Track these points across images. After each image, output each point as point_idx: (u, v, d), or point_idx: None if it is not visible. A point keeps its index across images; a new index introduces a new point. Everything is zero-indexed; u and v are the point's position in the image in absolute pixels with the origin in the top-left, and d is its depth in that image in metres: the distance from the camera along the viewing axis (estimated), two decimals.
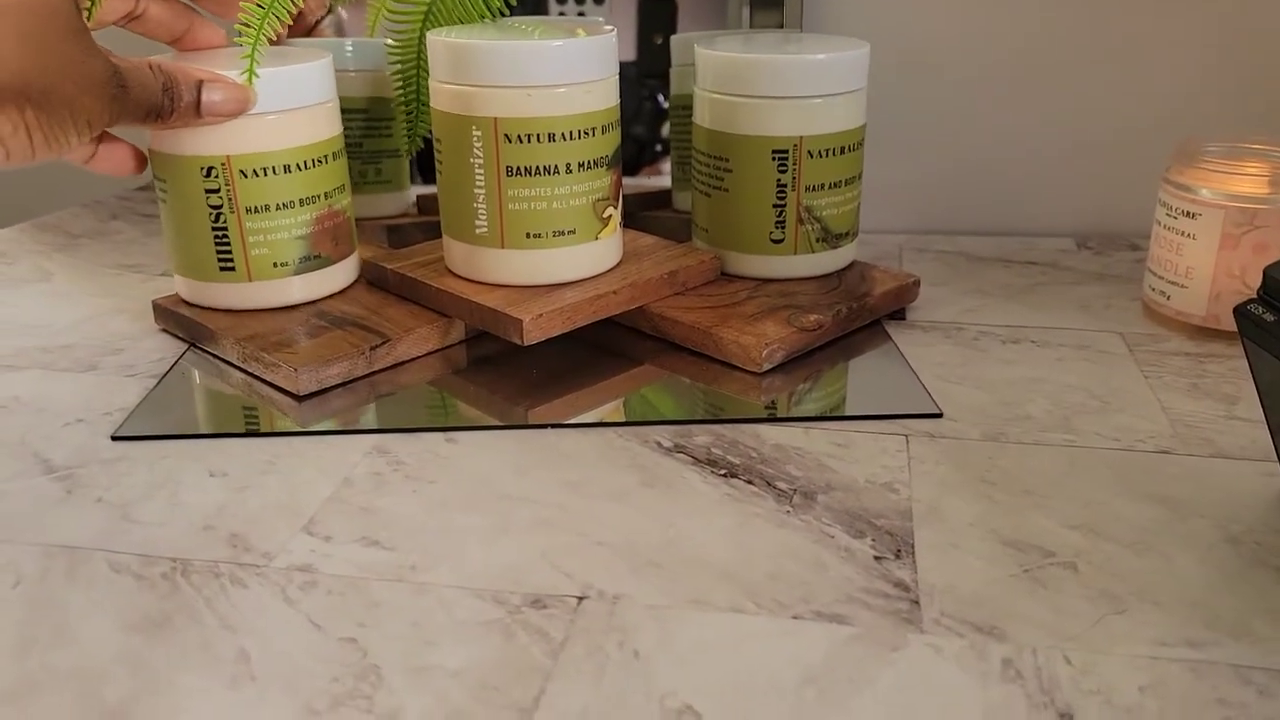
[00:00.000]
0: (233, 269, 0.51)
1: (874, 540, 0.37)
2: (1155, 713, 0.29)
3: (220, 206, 0.50)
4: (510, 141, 0.48)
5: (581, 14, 0.70)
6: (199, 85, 0.46)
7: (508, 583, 0.35)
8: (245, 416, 0.46)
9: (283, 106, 0.49)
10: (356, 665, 0.31)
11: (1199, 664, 0.31)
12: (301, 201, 0.51)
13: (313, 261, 0.52)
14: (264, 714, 0.29)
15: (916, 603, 0.33)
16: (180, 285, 0.53)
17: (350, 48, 0.62)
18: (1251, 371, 0.38)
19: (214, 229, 0.50)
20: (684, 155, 0.66)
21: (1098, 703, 0.29)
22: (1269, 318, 0.36)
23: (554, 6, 0.70)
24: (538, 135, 0.48)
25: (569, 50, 0.48)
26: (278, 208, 0.50)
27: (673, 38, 0.66)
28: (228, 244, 0.51)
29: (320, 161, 0.51)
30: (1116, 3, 0.65)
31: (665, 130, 0.71)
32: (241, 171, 0.49)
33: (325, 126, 0.52)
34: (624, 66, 0.71)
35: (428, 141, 0.58)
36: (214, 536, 0.37)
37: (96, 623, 0.33)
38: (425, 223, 0.65)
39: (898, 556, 0.36)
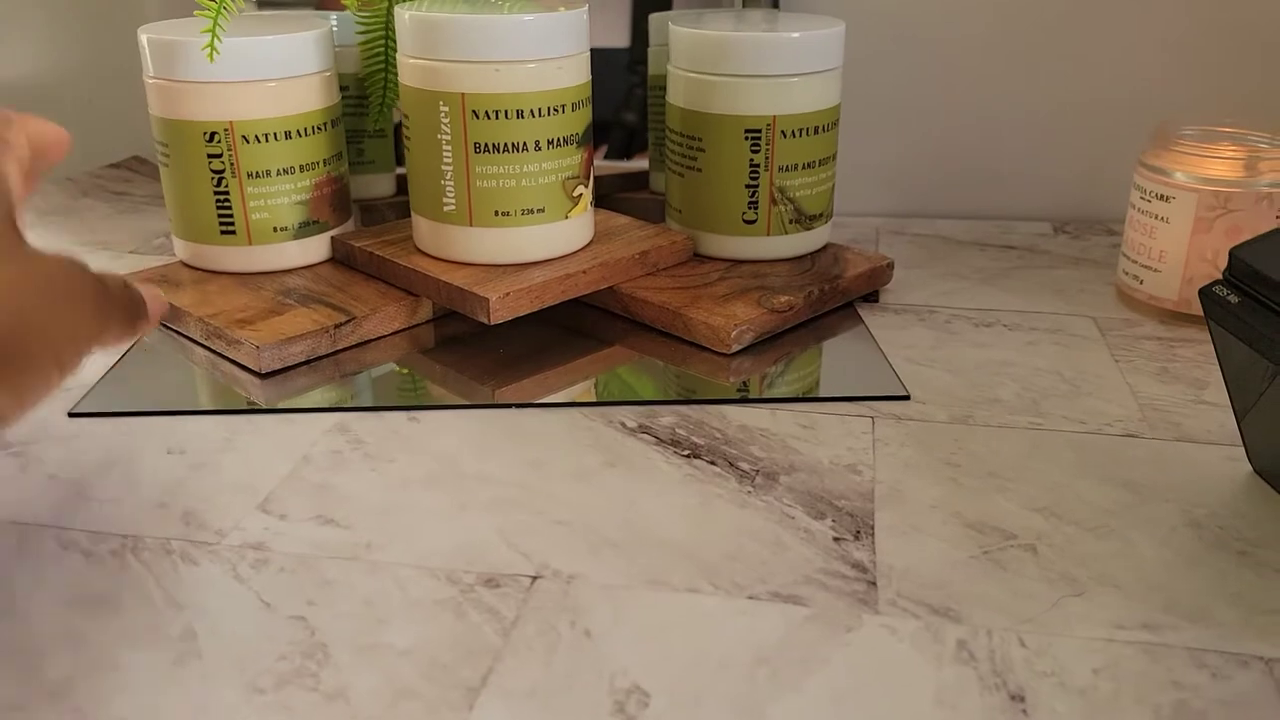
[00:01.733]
0: (233, 232, 0.52)
1: (834, 521, 0.36)
2: (1108, 694, 0.29)
3: (222, 171, 0.51)
4: (478, 118, 0.47)
5: None
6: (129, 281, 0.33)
7: (463, 561, 0.34)
8: (206, 393, 0.46)
9: (284, 74, 0.50)
10: (304, 643, 0.30)
11: (1154, 647, 0.30)
12: (301, 168, 0.52)
13: (311, 227, 0.54)
14: (208, 692, 0.29)
15: (873, 584, 0.33)
16: (180, 248, 0.54)
17: (335, 22, 0.61)
18: (1217, 354, 0.37)
19: (216, 193, 0.51)
20: (661, 136, 0.65)
21: (1050, 684, 0.29)
22: (1234, 299, 0.35)
23: None
24: (506, 111, 0.47)
25: (539, 25, 0.47)
26: (278, 173, 0.52)
27: (650, 16, 0.65)
28: (229, 208, 0.52)
29: (320, 129, 0.53)
30: None
31: None
32: (244, 137, 0.50)
33: (325, 94, 0.53)
34: (616, 53, 0.70)
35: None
36: (167, 514, 0.37)
37: (42, 599, 0.32)
38: (399, 202, 0.65)
39: (857, 538, 0.35)
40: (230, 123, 0.50)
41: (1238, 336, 0.35)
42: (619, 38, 0.70)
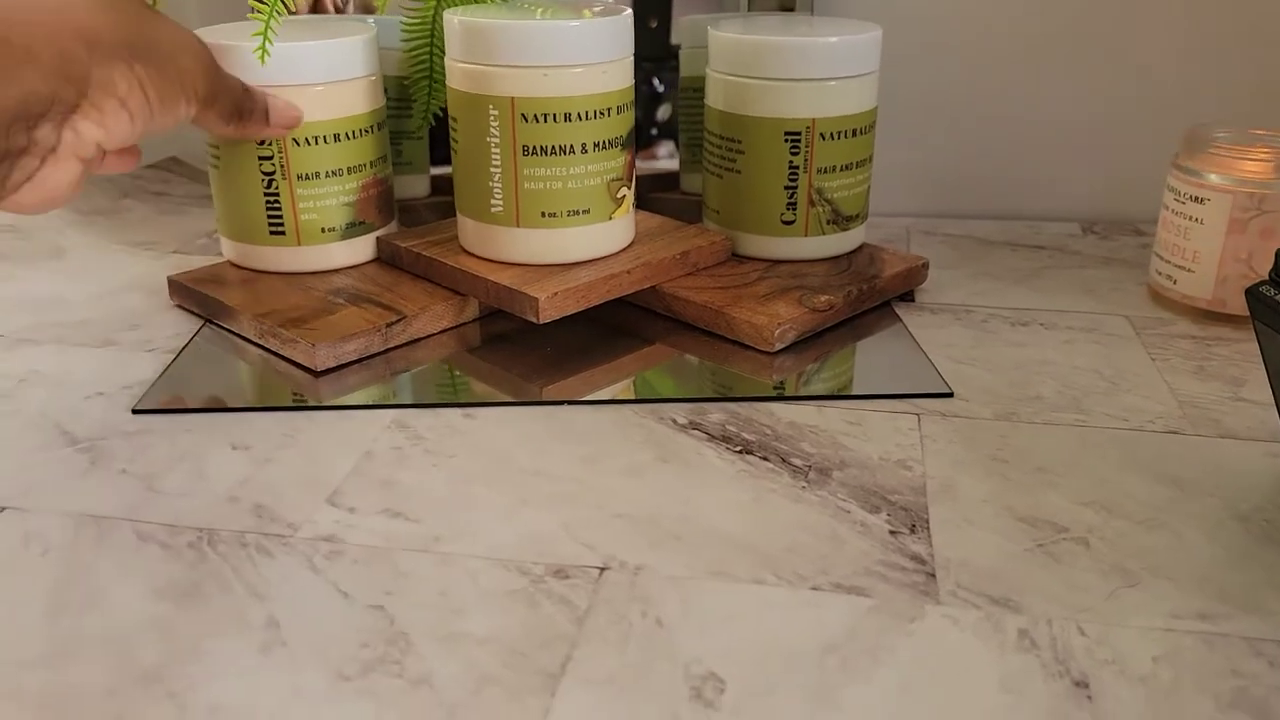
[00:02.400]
0: (283, 233, 0.53)
1: (889, 515, 0.37)
2: (1169, 682, 0.30)
3: (273, 173, 0.52)
4: (527, 121, 0.48)
5: None
6: (265, 94, 0.49)
7: (530, 554, 0.35)
8: (263, 391, 0.47)
9: (334, 78, 0.51)
10: (386, 632, 0.31)
11: (1211, 636, 0.31)
12: (349, 170, 0.53)
13: (358, 228, 0.54)
14: (297, 679, 0.30)
15: (933, 575, 0.34)
16: (227, 248, 0.55)
17: (371, 25, 0.62)
18: (1262, 353, 0.38)
19: (266, 194, 0.52)
20: (693, 138, 0.66)
21: (1112, 672, 0.30)
22: None
23: None
24: (554, 115, 0.48)
25: (586, 30, 0.48)
26: (327, 175, 0.52)
27: (684, 19, 0.66)
28: (279, 209, 0.53)
29: (366, 131, 0.54)
30: None
31: (660, 114, 0.71)
32: (294, 140, 0.51)
33: (372, 97, 0.54)
34: None
35: (441, 122, 0.58)
36: (239, 507, 0.38)
37: (126, 590, 0.33)
38: (436, 202, 0.66)
39: (913, 531, 0.36)
40: None
41: None
42: None
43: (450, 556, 0.35)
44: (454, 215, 0.54)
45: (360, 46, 0.52)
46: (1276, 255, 0.37)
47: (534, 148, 0.49)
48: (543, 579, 0.34)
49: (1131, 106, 0.68)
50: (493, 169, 0.50)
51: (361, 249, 0.55)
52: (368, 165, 0.54)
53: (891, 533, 0.36)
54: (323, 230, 0.53)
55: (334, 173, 0.53)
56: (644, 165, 0.71)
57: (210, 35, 0.51)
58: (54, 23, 0.36)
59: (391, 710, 0.29)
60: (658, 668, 0.30)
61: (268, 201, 0.52)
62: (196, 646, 0.31)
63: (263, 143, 0.51)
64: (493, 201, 0.50)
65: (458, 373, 0.49)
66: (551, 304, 0.48)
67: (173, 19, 0.42)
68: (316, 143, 0.52)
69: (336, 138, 0.52)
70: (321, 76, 0.51)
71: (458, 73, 0.50)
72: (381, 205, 0.56)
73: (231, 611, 0.32)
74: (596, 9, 0.50)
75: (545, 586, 0.34)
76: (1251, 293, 0.37)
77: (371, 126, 0.54)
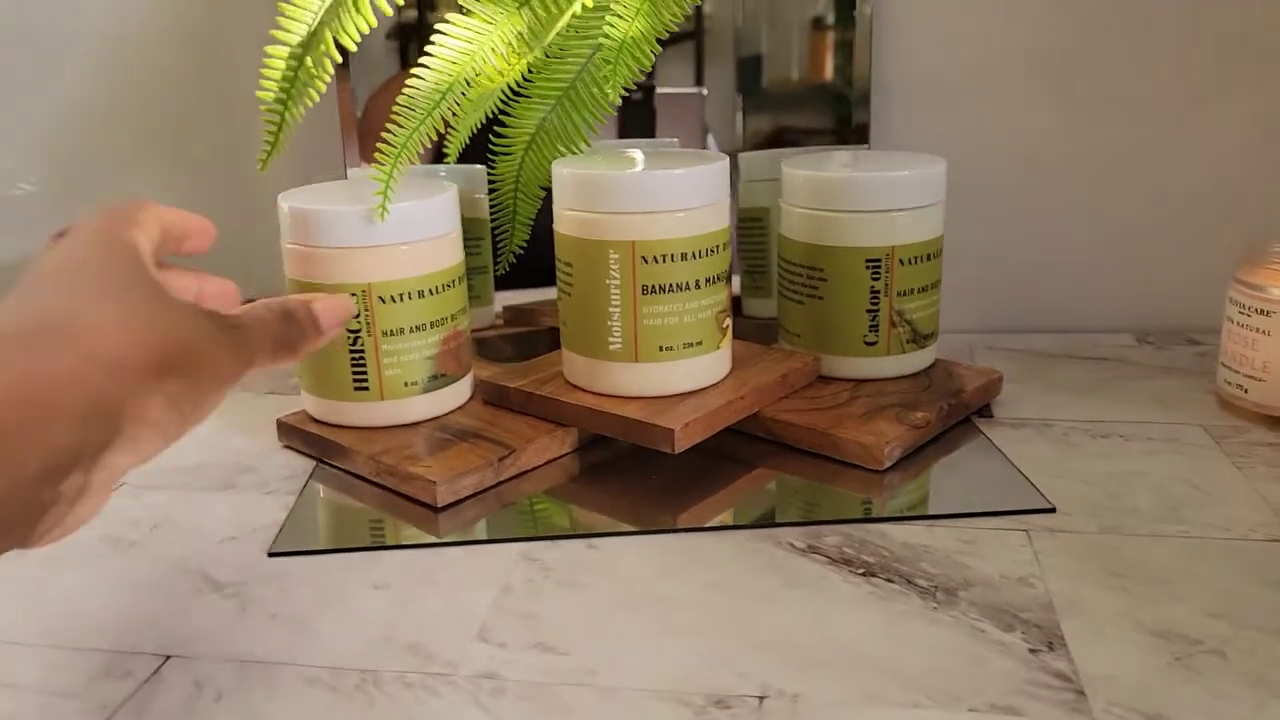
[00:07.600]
0: (367, 389, 0.54)
1: (1024, 633, 0.39)
2: None
3: (359, 331, 0.53)
4: (646, 262, 0.51)
5: None
6: (305, 304, 0.39)
7: (687, 684, 0.36)
8: (389, 529, 0.48)
9: (420, 236, 0.53)
10: None
11: None
12: (432, 324, 0.54)
13: (439, 380, 0.55)
14: None
15: (1082, 693, 0.35)
16: (309, 403, 0.56)
17: (443, 173, 0.65)
18: None
19: (351, 351, 0.53)
20: (754, 265, 0.70)
21: None
22: None
23: None
24: (672, 255, 0.51)
25: (695, 177, 0.51)
26: (411, 330, 0.53)
27: (741, 156, 0.69)
28: (364, 366, 0.53)
29: (448, 286, 0.55)
30: (1159, 105, 0.69)
31: None
32: (380, 298, 0.52)
33: (453, 253, 0.55)
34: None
35: (516, 255, 0.62)
36: (394, 647, 0.39)
37: None
38: (512, 335, 0.68)
39: (1051, 648, 0.38)
40: (369, 284, 0.52)
41: None
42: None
43: (610, 690, 0.36)
44: (532, 348, 0.56)
45: (443, 205, 0.54)
46: None
47: (653, 286, 0.51)
48: (705, 709, 0.35)
49: (1174, 218, 0.71)
50: (612, 309, 0.52)
51: (442, 401, 0.56)
52: (449, 319, 0.55)
53: (1031, 651, 0.38)
54: (405, 384, 0.54)
55: (417, 328, 0.53)
56: None
57: (296, 200, 0.53)
58: (81, 367, 0.30)
59: None
60: None
61: (353, 359, 0.53)
62: None
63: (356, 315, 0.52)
64: (611, 340, 0.53)
65: (572, 505, 0.50)
66: (685, 433, 0.50)
67: (186, 302, 0.34)
68: (402, 299, 0.53)
69: (420, 294, 0.53)
70: (409, 235, 0.52)
71: (570, 220, 0.52)
72: (460, 356, 0.56)
73: None
74: (692, 155, 0.53)
75: (709, 717, 0.35)
76: None
77: (453, 281, 0.55)
